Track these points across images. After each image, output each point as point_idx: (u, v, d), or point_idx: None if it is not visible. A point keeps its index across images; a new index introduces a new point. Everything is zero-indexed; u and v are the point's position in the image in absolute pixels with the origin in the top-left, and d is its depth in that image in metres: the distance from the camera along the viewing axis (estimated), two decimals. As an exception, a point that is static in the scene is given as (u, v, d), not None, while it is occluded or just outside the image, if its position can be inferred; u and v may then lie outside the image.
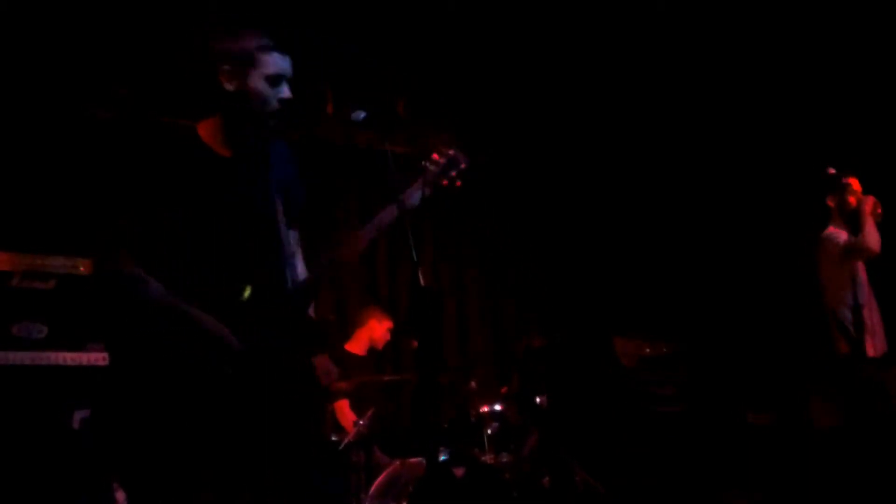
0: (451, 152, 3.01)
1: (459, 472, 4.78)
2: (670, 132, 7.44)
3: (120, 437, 4.12)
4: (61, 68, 5.62)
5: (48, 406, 4.09)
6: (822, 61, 6.28)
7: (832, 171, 4.93)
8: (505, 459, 5.25)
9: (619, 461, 6.10)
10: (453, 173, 3.01)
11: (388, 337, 6.19)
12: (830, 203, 5.21)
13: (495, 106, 7.17)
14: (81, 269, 4.35)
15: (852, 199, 5.16)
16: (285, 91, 2.73)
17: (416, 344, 5.87)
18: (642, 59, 6.63)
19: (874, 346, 5.05)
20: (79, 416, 4.13)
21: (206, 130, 2.78)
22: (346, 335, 6.26)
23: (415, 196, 2.97)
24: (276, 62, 2.73)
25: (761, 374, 6.60)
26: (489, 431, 5.31)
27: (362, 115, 2.76)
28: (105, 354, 4.27)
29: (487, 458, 5.19)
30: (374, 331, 6.14)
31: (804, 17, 5.97)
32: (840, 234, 5.13)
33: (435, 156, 3.01)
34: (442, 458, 4.87)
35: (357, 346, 6.15)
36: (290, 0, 5.47)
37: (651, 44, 6.46)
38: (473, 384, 5.62)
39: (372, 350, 6.16)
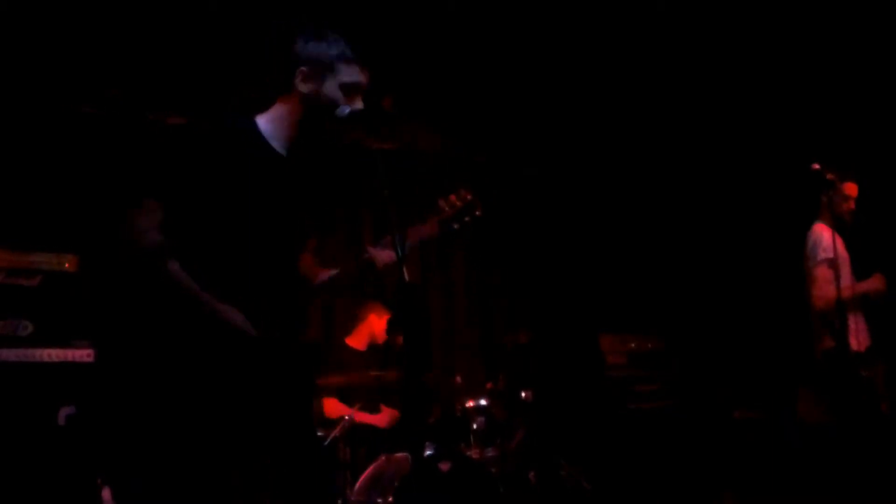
0: (469, 197, 3.01)
1: (445, 466, 4.78)
2: (655, 128, 7.46)
3: (106, 434, 4.15)
4: (48, 65, 5.61)
5: (33, 403, 4.09)
6: (815, 59, 6.31)
7: (817, 166, 4.94)
8: (491, 454, 5.25)
9: (604, 457, 6.12)
10: (467, 219, 3.01)
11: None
12: (826, 197, 5.22)
13: (483, 102, 7.17)
14: (67, 265, 4.35)
15: (832, 195, 5.19)
16: (358, 103, 2.76)
17: (400, 340, 5.89)
18: (632, 54, 6.65)
19: (858, 342, 5.08)
20: (64, 412, 4.13)
21: (265, 124, 2.81)
22: (347, 330, 6.28)
23: (423, 234, 2.99)
24: (354, 73, 2.76)
25: (748, 370, 6.62)
26: (475, 426, 5.32)
27: (347, 110, 2.76)
28: (91, 351, 4.27)
29: (473, 453, 5.20)
30: (375, 325, 6.14)
31: (800, 18, 6.00)
32: (824, 232, 5.16)
33: (452, 197, 3.01)
34: (428, 452, 4.87)
35: (358, 341, 6.16)
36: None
37: (637, 40, 6.48)
38: (459, 379, 5.63)
39: (372, 345, 6.16)
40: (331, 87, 2.73)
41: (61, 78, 5.65)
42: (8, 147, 5.37)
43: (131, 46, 5.72)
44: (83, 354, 4.25)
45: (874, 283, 5.19)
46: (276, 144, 2.79)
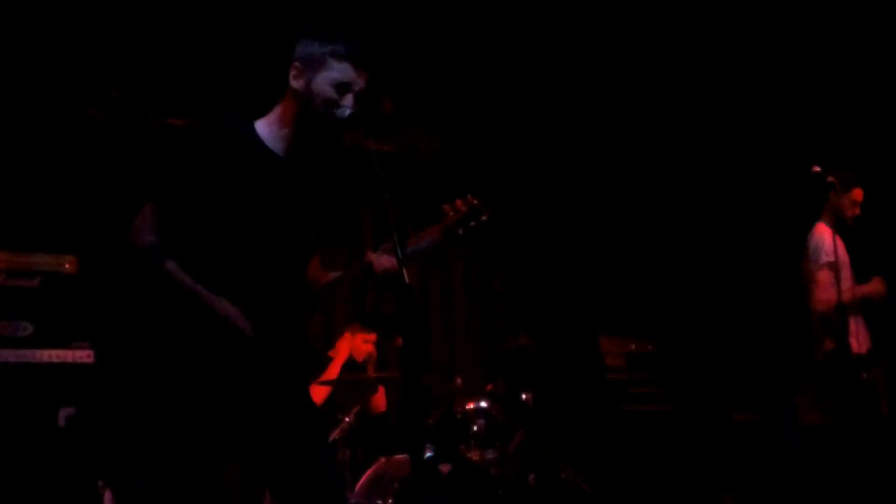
0: (475, 202, 2.95)
1: (445, 468, 4.78)
2: (655, 131, 7.46)
3: (106, 435, 4.14)
4: (49, 67, 5.61)
5: (33, 404, 4.09)
6: (815, 60, 6.31)
7: (817, 169, 4.94)
8: (491, 456, 5.24)
9: (604, 459, 6.11)
10: (472, 224, 2.94)
11: (368, 348, 6.17)
12: (833, 199, 5.22)
13: (483, 102, 7.17)
14: (66, 266, 4.35)
15: (835, 198, 5.19)
16: (349, 100, 2.73)
17: (399, 341, 5.90)
18: (632, 54, 6.65)
19: (858, 344, 5.07)
20: (64, 414, 4.13)
21: (264, 127, 2.81)
22: (329, 344, 6.28)
23: (426, 241, 2.95)
24: (346, 71, 2.74)
25: (748, 373, 6.62)
26: (475, 428, 5.31)
27: (347, 112, 2.75)
28: (90, 352, 4.28)
29: (473, 455, 5.19)
30: (350, 344, 6.13)
31: (801, 18, 6.00)
32: (825, 234, 5.15)
33: (458, 202, 2.98)
34: (427, 454, 4.87)
35: (336, 354, 6.17)
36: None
37: (637, 40, 6.48)
38: (459, 381, 5.62)
39: (351, 361, 6.16)
40: (322, 83, 2.72)
41: (62, 79, 5.65)
42: (7, 148, 5.37)
43: (132, 48, 5.72)
44: (83, 355, 4.25)
45: (875, 287, 5.19)
46: (274, 147, 2.79)
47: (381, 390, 5.93)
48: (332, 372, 5.94)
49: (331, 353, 6.13)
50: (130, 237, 2.64)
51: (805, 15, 5.97)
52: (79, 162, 5.64)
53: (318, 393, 5.76)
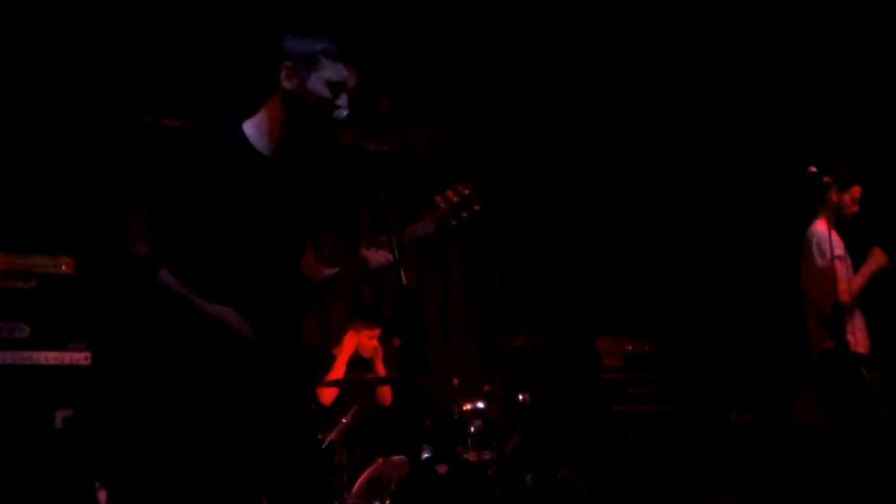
0: (466, 192, 2.97)
1: (442, 469, 4.78)
2: (654, 131, 7.45)
3: (103, 437, 4.15)
4: (47, 67, 5.61)
5: (30, 406, 4.09)
6: (816, 60, 6.31)
7: (813, 169, 4.94)
8: (488, 457, 5.24)
9: (601, 459, 6.11)
10: (465, 214, 2.96)
11: (373, 344, 6.18)
12: (833, 197, 5.21)
13: (482, 102, 7.17)
14: (63, 268, 4.35)
15: (833, 197, 5.19)
16: (343, 100, 2.72)
17: (397, 342, 5.90)
18: (632, 54, 6.65)
19: (855, 340, 5.06)
20: (61, 415, 4.13)
21: (252, 128, 2.78)
22: (335, 342, 6.30)
23: (419, 233, 2.96)
24: (339, 70, 2.72)
25: (747, 373, 6.61)
26: (472, 429, 5.31)
27: (344, 113, 2.74)
28: (87, 354, 4.28)
29: (470, 456, 5.19)
30: (353, 342, 6.14)
31: (800, 18, 5.99)
32: (825, 230, 5.14)
33: (449, 193, 2.97)
34: (425, 455, 4.87)
35: (340, 351, 6.18)
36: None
37: (637, 40, 6.47)
38: (456, 382, 5.62)
39: (357, 358, 6.17)
40: (316, 83, 2.69)
41: (61, 79, 5.65)
42: (5, 149, 5.37)
43: (131, 48, 5.72)
44: (80, 357, 4.26)
45: (876, 260, 5.14)
46: (263, 147, 2.76)
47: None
48: (338, 369, 5.95)
49: (335, 351, 6.15)
50: (122, 248, 2.61)
51: (804, 15, 5.96)
52: (77, 162, 5.64)
53: (328, 394, 5.78)
